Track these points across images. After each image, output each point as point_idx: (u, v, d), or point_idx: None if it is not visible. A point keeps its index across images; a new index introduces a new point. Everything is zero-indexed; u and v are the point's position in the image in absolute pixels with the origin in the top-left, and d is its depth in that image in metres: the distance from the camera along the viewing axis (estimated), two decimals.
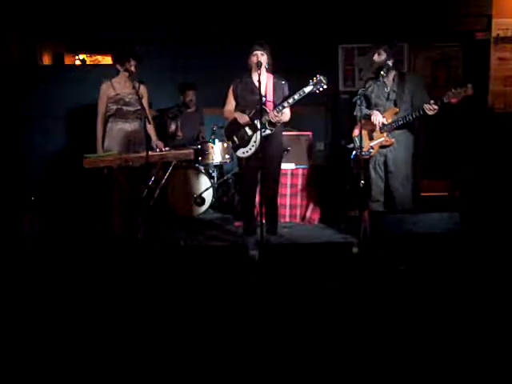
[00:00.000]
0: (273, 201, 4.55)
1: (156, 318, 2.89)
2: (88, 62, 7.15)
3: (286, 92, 4.41)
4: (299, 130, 5.46)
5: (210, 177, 5.65)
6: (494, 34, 5.99)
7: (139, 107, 4.25)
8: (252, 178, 4.55)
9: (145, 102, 4.34)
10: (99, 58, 7.26)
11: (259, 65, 4.14)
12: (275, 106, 4.34)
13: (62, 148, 6.04)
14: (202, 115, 6.10)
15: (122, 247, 4.06)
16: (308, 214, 5.31)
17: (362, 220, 3.94)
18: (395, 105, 4.28)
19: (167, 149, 4.53)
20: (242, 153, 4.50)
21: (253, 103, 4.28)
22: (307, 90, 4.22)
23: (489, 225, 4.41)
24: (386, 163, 4.36)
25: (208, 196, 5.58)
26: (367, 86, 4.36)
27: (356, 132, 4.41)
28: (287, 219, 5.31)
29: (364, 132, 4.26)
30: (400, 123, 4.23)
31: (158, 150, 4.42)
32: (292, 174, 5.33)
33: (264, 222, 4.12)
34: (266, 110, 4.28)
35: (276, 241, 4.49)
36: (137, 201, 4.35)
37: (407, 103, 4.26)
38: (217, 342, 2.61)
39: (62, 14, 5.98)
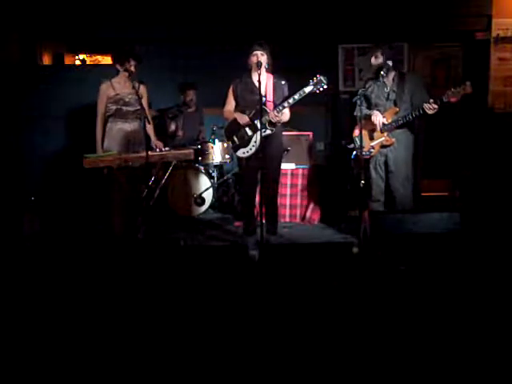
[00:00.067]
0: (273, 201, 4.55)
1: (156, 317, 2.89)
2: (88, 62, 7.14)
3: (286, 92, 4.41)
4: (299, 130, 5.45)
5: (210, 177, 5.65)
6: (494, 34, 5.99)
7: (139, 107, 4.25)
8: (252, 178, 4.55)
9: (144, 102, 4.35)
10: (99, 58, 7.25)
11: (259, 65, 4.13)
12: (275, 106, 4.34)
13: (62, 148, 6.04)
14: (202, 115, 6.09)
15: (122, 247, 4.06)
16: (308, 213, 5.31)
17: (362, 220, 3.94)
18: (395, 105, 4.29)
19: (167, 149, 4.54)
20: (242, 153, 4.50)
21: (253, 103, 4.28)
22: (307, 90, 4.22)
23: (489, 225, 4.41)
24: (386, 163, 4.37)
25: (208, 196, 5.57)
26: (367, 86, 4.38)
27: (356, 132, 4.41)
28: (287, 219, 5.31)
29: (364, 132, 4.27)
30: (400, 123, 4.23)
31: (157, 150, 4.42)
32: (292, 174, 5.33)
33: (264, 221, 4.12)
34: (266, 110, 4.28)
35: (276, 241, 4.49)
36: (137, 201, 4.36)
37: (407, 103, 4.27)
38: (217, 342, 2.61)
39: (61, 14, 5.98)
